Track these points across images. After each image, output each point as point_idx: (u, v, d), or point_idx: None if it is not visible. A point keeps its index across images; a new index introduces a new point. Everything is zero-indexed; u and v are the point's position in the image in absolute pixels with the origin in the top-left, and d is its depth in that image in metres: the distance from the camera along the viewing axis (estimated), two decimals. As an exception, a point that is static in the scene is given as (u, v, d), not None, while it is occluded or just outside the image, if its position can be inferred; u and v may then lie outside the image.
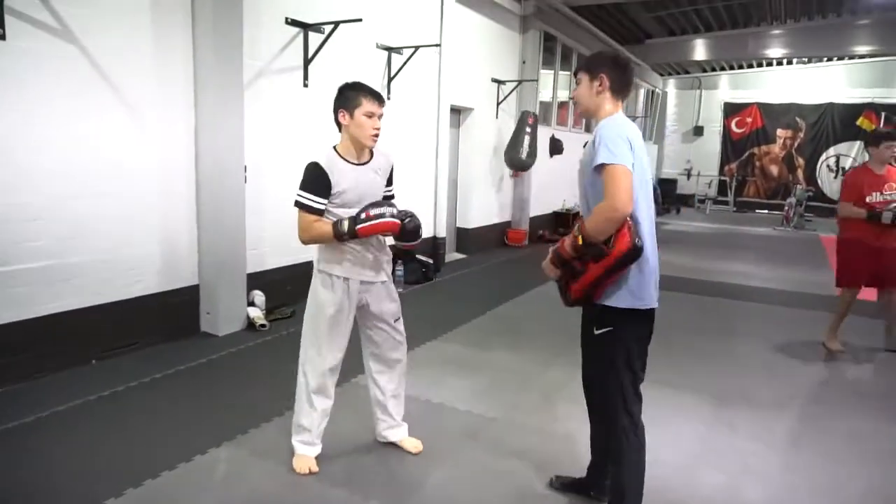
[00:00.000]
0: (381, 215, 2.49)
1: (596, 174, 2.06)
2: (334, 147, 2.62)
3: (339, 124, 2.60)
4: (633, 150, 2.05)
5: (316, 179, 2.52)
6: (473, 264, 7.93)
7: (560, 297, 2.28)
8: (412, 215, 2.63)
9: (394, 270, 6.39)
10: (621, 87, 2.21)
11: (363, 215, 2.48)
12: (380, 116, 2.58)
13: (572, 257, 2.10)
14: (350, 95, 2.55)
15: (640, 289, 2.13)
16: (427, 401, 3.54)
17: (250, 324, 4.74)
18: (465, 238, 8.62)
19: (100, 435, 3.01)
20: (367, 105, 2.53)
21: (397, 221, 2.53)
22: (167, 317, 4.38)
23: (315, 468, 2.71)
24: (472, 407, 3.48)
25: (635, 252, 2.01)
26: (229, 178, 4.53)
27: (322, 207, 2.53)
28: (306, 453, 2.74)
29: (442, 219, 7.63)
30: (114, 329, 4.04)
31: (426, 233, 7.45)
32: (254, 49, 4.77)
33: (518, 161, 8.90)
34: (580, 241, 2.04)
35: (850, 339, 4.79)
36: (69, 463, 2.73)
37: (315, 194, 2.51)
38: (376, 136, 2.59)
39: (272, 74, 5.04)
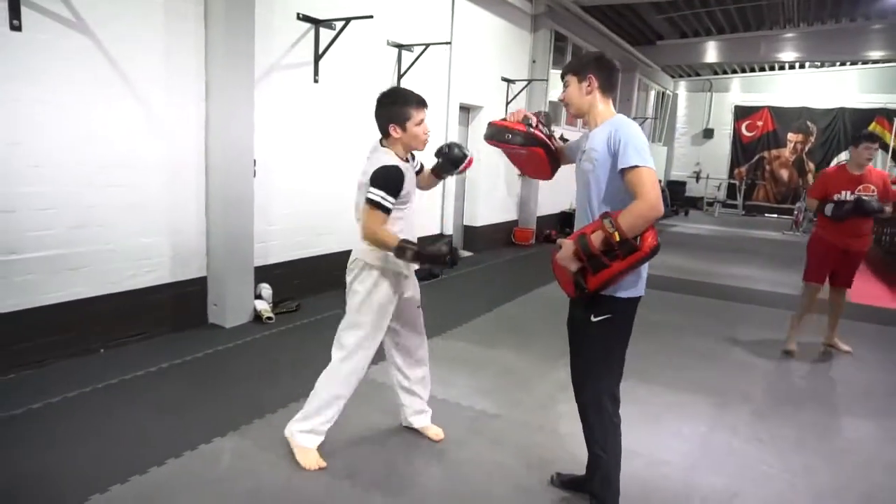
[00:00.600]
0: (445, 255, 2.50)
1: (619, 174, 2.12)
2: (391, 149, 2.64)
3: (386, 134, 2.63)
4: (647, 146, 2.15)
5: (396, 183, 2.54)
6: (480, 262, 7.95)
7: (566, 288, 2.30)
8: (450, 145, 2.82)
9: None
10: (610, 86, 2.31)
11: (431, 251, 2.50)
12: (424, 119, 2.66)
13: (601, 252, 2.13)
14: (398, 111, 2.58)
15: (638, 279, 2.26)
16: (432, 396, 3.53)
17: (257, 316, 4.78)
18: (473, 236, 8.64)
19: (107, 423, 3.05)
20: (416, 115, 2.60)
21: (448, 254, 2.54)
22: (175, 307, 4.42)
23: (323, 463, 2.72)
24: (476, 403, 3.50)
25: (656, 251, 2.13)
26: (239, 172, 4.56)
27: (391, 208, 2.56)
28: (313, 446, 2.75)
29: (449, 216, 7.65)
30: (122, 318, 4.08)
31: (434, 230, 7.51)
32: (265, 44, 4.80)
33: None
34: (617, 238, 2.08)
35: (858, 343, 4.78)
36: (76, 450, 2.77)
37: (392, 196, 2.53)
38: (428, 139, 2.69)
39: (283, 69, 5.07)
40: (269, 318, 4.77)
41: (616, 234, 2.07)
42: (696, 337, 5.05)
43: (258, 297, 4.92)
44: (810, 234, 4.77)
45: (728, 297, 6.65)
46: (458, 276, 7.05)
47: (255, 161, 4.70)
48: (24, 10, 3.35)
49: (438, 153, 2.80)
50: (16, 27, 3.33)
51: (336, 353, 2.73)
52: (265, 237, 5.07)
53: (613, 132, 2.16)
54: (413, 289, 2.86)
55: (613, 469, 2.31)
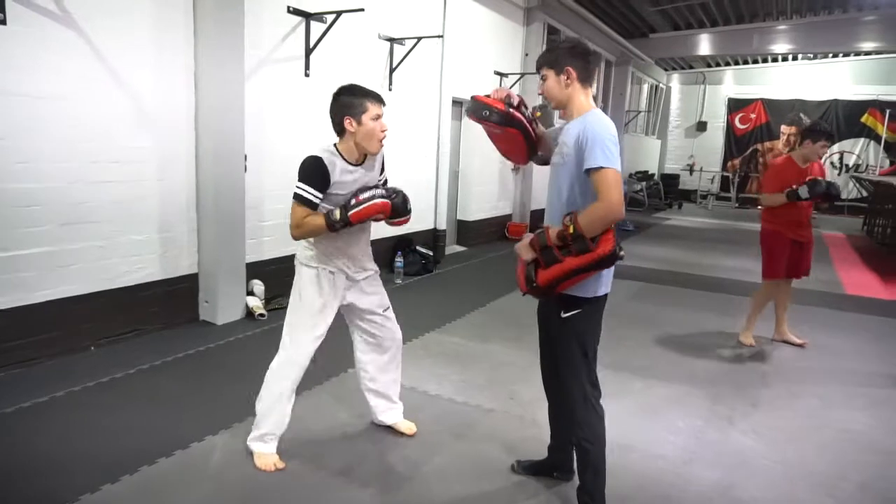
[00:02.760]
0: (372, 198, 2.48)
1: (586, 174, 2.11)
2: (335, 145, 2.59)
3: (340, 129, 2.57)
4: (618, 149, 2.14)
5: (316, 174, 2.49)
6: (473, 257, 7.93)
7: (519, 282, 2.29)
8: (398, 191, 2.59)
9: (393, 261, 6.43)
10: (588, 75, 2.28)
11: (353, 201, 2.47)
12: (382, 117, 2.56)
13: (556, 245, 2.14)
14: (354, 102, 2.51)
15: (602, 277, 2.25)
16: (424, 392, 3.54)
17: (249, 313, 4.75)
18: (466, 231, 8.61)
19: (97, 421, 3.01)
20: (372, 108, 2.51)
21: (388, 202, 2.50)
22: (166, 304, 4.38)
23: (280, 464, 2.67)
24: (470, 398, 3.48)
25: (614, 258, 2.12)
26: (229, 167, 4.52)
27: (318, 202, 2.50)
28: (268, 451, 2.70)
29: (443, 211, 7.62)
30: (113, 316, 4.04)
31: (427, 225, 7.48)
32: (255, 38, 4.74)
33: None
34: (570, 231, 2.08)
35: (853, 333, 4.78)
36: (66, 449, 2.74)
37: (314, 187, 2.49)
38: (384, 138, 2.58)
39: (273, 63, 5.02)
40: (262, 315, 4.73)
41: (571, 227, 2.08)
42: (691, 329, 5.04)
43: (250, 293, 4.88)
44: (761, 230, 4.68)
45: (723, 289, 6.65)
46: (451, 270, 7.03)
47: (245, 156, 4.65)
48: (8, 3, 3.29)
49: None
50: (0, 21, 3.27)
51: (275, 359, 2.72)
52: (257, 233, 5.03)
53: (584, 129, 2.14)
54: (371, 292, 2.79)
55: (600, 459, 2.33)
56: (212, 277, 4.55)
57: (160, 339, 4.19)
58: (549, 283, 2.17)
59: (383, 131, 2.55)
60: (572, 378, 2.30)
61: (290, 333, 2.70)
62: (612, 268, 2.28)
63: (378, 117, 2.53)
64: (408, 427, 3.02)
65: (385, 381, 2.94)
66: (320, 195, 2.50)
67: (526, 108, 2.48)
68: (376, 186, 2.58)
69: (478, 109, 2.40)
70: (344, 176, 2.55)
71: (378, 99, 2.55)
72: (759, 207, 4.78)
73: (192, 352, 4.00)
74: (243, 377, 3.61)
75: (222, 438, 2.89)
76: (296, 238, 2.58)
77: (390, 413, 3.02)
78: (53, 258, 3.68)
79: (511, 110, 2.39)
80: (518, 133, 2.44)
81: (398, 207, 2.55)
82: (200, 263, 4.59)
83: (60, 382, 3.38)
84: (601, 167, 2.06)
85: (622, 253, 2.12)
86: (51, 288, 3.70)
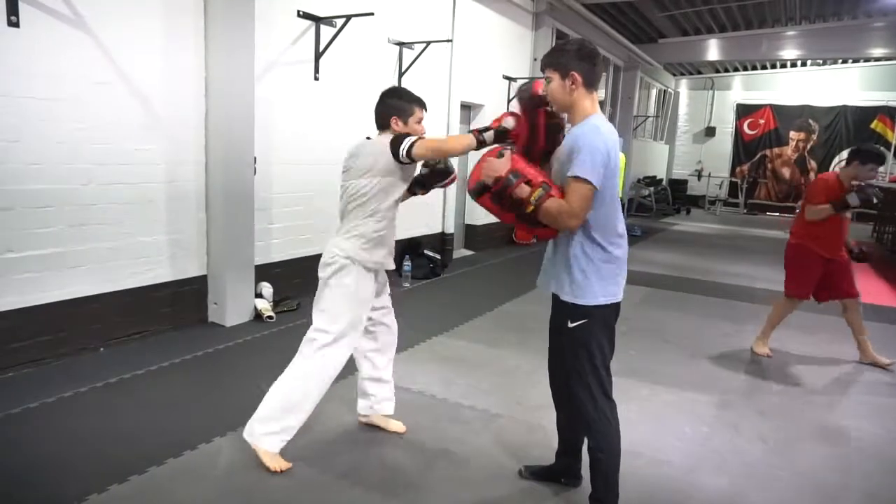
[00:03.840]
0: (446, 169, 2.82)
1: (567, 177, 2.12)
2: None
3: (385, 125, 2.73)
4: (610, 160, 2.12)
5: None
6: (481, 261, 7.93)
7: (474, 177, 2.28)
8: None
9: (401, 265, 6.44)
10: (593, 79, 2.22)
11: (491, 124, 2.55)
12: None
13: (511, 199, 2.15)
14: (404, 106, 2.71)
15: (611, 286, 2.24)
16: (432, 395, 3.54)
17: (257, 315, 4.76)
18: (473, 235, 8.61)
19: (105, 422, 3.03)
20: (418, 113, 2.73)
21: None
22: (175, 306, 4.40)
23: (287, 464, 2.67)
24: (477, 403, 3.48)
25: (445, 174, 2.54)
26: (238, 170, 4.54)
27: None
28: (277, 449, 2.68)
29: (451, 215, 7.62)
30: (122, 317, 4.07)
31: (435, 229, 7.48)
32: (265, 40, 4.77)
33: None
34: (530, 208, 2.12)
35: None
36: (74, 449, 2.75)
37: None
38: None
39: (283, 66, 5.04)
40: (270, 317, 4.75)
41: (531, 207, 2.11)
42: (697, 336, 5.02)
43: (258, 295, 4.90)
44: (787, 244, 4.50)
45: (731, 295, 6.62)
46: (458, 274, 7.03)
47: (255, 159, 4.68)
48: (21, 6, 3.33)
49: (425, 164, 2.79)
50: (13, 23, 3.31)
51: (310, 348, 2.68)
52: (265, 235, 5.05)
53: (578, 136, 2.14)
54: (386, 281, 2.93)
55: (613, 469, 2.30)
56: (220, 279, 4.57)
57: (168, 340, 4.21)
58: (478, 196, 2.23)
59: (424, 132, 2.75)
60: (582, 388, 2.28)
61: (336, 328, 2.66)
62: (624, 276, 2.29)
63: (421, 120, 2.74)
64: (397, 425, 3.06)
65: (386, 365, 3.00)
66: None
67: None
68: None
69: (524, 89, 2.44)
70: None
71: (423, 105, 2.77)
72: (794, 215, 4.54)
73: (201, 353, 4.01)
74: (251, 379, 3.63)
75: (230, 440, 2.89)
76: (445, 154, 2.67)
77: (386, 404, 3.03)
78: (63, 259, 3.71)
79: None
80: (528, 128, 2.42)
81: (439, 171, 2.86)
82: (209, 265, 4.61)
83: (69, 383, 3.40)
84: (577, 176, 2.07)
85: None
86: (60, 288, 3.72)
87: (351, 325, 2.69)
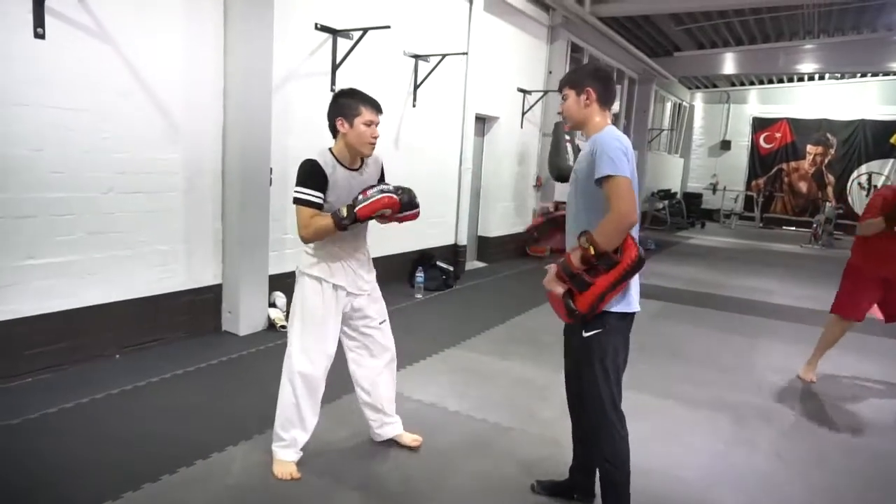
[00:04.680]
0: (379, 192, 2.48)
1: (596, 185, 2.13)
2: (329, 148, 2.63)
3: (334, 131, 2.62)
4: (629, 160, 2.14)
5: (313, 175, 2.53)
6: (493, 273, 7.92)
7: (560, 314, 2.28)
8: (405, 188, 2.57)
9: (414, 276, 6.44)
10: (607, 97, 2.29)
11: (360, 197, 2.48)
12: (377, 124, 2.59)
13: (583, 269, 2.14)
14: (349, 104, 2.56)
15: (627, 294, 2.23)
16: (444, 408, 3.53)
17: (271, 324, 4.79)
18: (486, 246, 8.61)
19: (120, 429, 3.05)
20: (366, 114, 2.55)
21: (395, 197, 2.49)
22: (190, 314, 4.44)
23: (297, 474, 2.68)
24: (489, 415, 3.46)
25: (641, 262, 2.12)
26: (254, 180, 4.58)
27: (320, 202, 2.53)
28: (287, 458, 2.71)
29: (463, 227, 7.63)
30: (138, 324, 4.10)
31: (447, 240, 7.49)
32: (283, 53, 4.83)
33: (566, 168, 8.20)
34: (592, 252, 2.08)
35: (880, 359, 4.68)
36: (89, 455, 2.78)
37: (314, 189, 2.53)
38: (374, 144, 2.62)
39: (300, 78, 5.10)
40: (283, 327, 4.77)
41: (591, 248, 2.08)
42: (713, 351, 4.97)
43: (272, 305, 4.93)
44: (846, 264, 4.33)
45: (747, 310, 6.55)
46: (471, 286, 7.03)
47: (271, 169, 4.72)
48: (48, 18, 3.40)
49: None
50: (40, 35, 3.38)
51: (285, 363, 2.71)
52: (279, 246, 5.09)
53: (594, 143, 2.17)
54: (370, 306, 2.80)
55: (624, 481, 2.29)
56: (235, 288, 4.60)
57: (183, 348, 4.24)
58: (591, 306, 2.16)
59: (374, 136, 2.58)
60: (594, 399, 2.27)
61: (290, 344, 2.69)
62: (638, 286, 2.28)
63: (371, 123, 2.56)
64: (412, 439, 3.00)
65: (378, 395, 2.90)
66: (320, 195, 2.53)
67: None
68: (381, 183, 2.61)
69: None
70: (339, 178, 2.58)
71: (374, 105, 2.59)
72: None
73: (215, 362, 4.04)
74: (264, 388, 3.64)
75: (242, 449, 2.90)
76: (306, 240, 2.58)
77: (387, 428, 2.99)
78: (82, 266, 3.76)
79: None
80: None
81: (405, 202, 2.54)
82: (224, 274, 4.64)
83: (85, 389, 3.44)
84: (609, 175, 2.07)
85: (644, 255, 2.14)
86: (78, 295, 3.77)
87: (300, 343, 2.65)
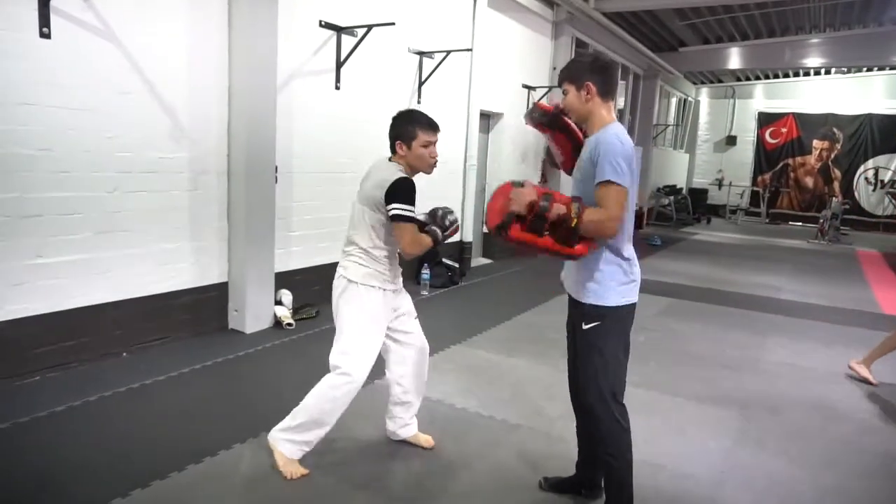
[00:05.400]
0: (455, 221, 2.71)
1: (595, 186, 2.13)
2: (398, 166, 2.64)
3: (393, 150, 2.66)
4: (631, 167, 2.13)
5: (412, 194, 2.57)
6: (499, 270, 7.91)
7: (492, 217, 2.18)
8: (449, 211, 2.76)
9: (420, 273, 6.44)
10: (608, 89, 2.27)
11: (447, 222, 2.66)
12: (435, 143, 2.64)
13: (549, 219, 2.07)
14: (406, 128, 2.60)
15: (626, 286, 2.25)
16: (451, 405, 3.53)
17: (277, 322, 4.79)
18: (492, 243, 8.59)
19: (129, 427, 3.06)
20: (423, 136, 2.60)
21: (458, 225, 2.73)
22: (196, 312, 4.45)
23: (304, 471, 2.68)
24: (496, 413, 3.46)
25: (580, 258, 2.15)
26: (260, 178, 4.59)
27: (417, 217, 2.61)
28: (296, 456, 2.70)
29: (469, 223, 7.63)
30: (144, 323, 4.12)
31: (453, 237, 7.47)
32: (288, 51, 4.82)
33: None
34: (573, 224, 2.05)
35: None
36: (97, 453, 2.79)
37: (414, 206, 2.57)
38: (435, 163, 2.67)
39: (305, 76, 5.10)
40: (289, 325, 4.78)
41: (574, 220, 2.05)
42: (720, 348, 4.95)
43: (278, 302, 4.93)
44: None
45: (754, 306, 6.53)
46: (477, 283, 7.02)
47: (276, 167, 4.72)
48: (53, 18, 3.41)
49: (430, 215, 2.73)
50: (45, 35, 3.39)
51: (333, 369, 2.67)
52: (286, 243, 5.09)
53: (597, 143, 2.16)
54: (406, 302, 2.85)
55: (626, 474, 2.29)
56: (241, 286, 4.61)
57: (190, 346, 4.25)
58: (517, 241, 2.14)
59: (433, 157, 2.65)
60: (594, 391, 2.28)
61: (350, 353, 2.66)
62: (637, 278, 2.29)
63: (428, 144, 2.61)
64: (426, 440, 3.01)
65: (415, 389, 2.94)
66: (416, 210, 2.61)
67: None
68: (447, 209, 2.72)
69: (532, 113, 2.49)
70: None
71: (431, 126, 2.63)
72: None
73: (221, 360, 4.05)
74: (270, 385, 3.66)
75: (250, 447, 2.91)
76: (412, 255, 2.61)
77: (407, 429, 3.00)
78: (89, 265, 3.77)
79: (560, 115, 2.43)
80: (564, 139, 2.48)
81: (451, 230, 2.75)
82: (230, 273, 4.65)
83: (93, 388, 3.45)
84: (608, 180, 2.08)
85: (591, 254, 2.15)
86: (85, 294, 3.78)
87: (363, 346, 2.66)
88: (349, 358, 2.66)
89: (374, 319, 2.68)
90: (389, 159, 2.67)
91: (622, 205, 2.08)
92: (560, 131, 2.47)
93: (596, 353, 2.25)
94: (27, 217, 3.45)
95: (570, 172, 2.55)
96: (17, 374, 3.47)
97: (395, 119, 2.66)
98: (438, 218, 2.66)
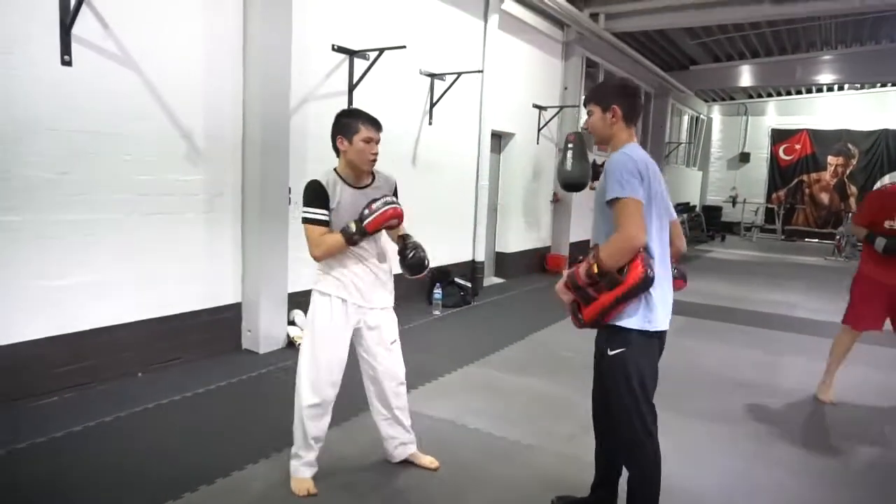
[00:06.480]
0: (384, 204, 2.53)
1: (608, 207, 2.16)
2: (334, 168, 2.69)
3: (336, 150, 2.67)
4: (645, 180, 2.13)
5: (316, 194, 2.60)
6: (511, 289, 7.90)
7: (572, 319, 2.32)
8: (417, 247, 2.70)
9: (432, 293, 6.44)
10: (633, 115, 2.31)
11: (366, 211, 2.53)
12: (377, 142, 2.64)
13: (587, 284, 2.15)
14: (348, 122, 2.61)
15: (651, 311, 2.19)
16: (463, 425, 3.52)
17: (290, 342, 4.82)
18: (504, 262, 8.60)
19: (143, 447, 3.09)
20: (364, 131, 2.59)
21: (399, 208, 2.57)
22: (210, 333, 4.49)
23: (314, 490, 2.69)
24: (508, 433, 3.44)
25: (647, 282, 2.09)
26: (273, 200, 4.65)
27: (326, 219, 2.60)
28: (301, 475, 2.73)
29: (481, 243, 7.64)
30: (160, 343, 4.16)
31: (465, 256, 7.50)
32: (301, 75, 4.91)
33: (564, 174, 8.29)
34: (595, 270, 2.10)
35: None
36: (113, 473, 2.81)
37: (318, 206, 2.59)
38: (374, 160, 2.66)
39: (318, 99, 5.18)
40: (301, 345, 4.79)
41: (595, 265, 2.09)
42: (735, 367, 4.90)
43: (291, 323, 4.96)
44: (856, 271, 4.16)
45: (769, 324, 6.45)
46: (489, 302, 7.01)
47: (290, 189, 4.78)
48: (74, 45, 3.51)
49: (401, 254, 2.72)
50: (66, 62, 3.49)
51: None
52: (297, 264, 5.12)
53: (608, 162, 2.20)
54: (382, 324, 2.78)
55: (654, 500, 2.26)
56: (255, 307, 4.65)
57: (204, 366, 4.28)
58: (593, 319, 2.18)
59: (373, 153, 2.63)
60: (625, 420, 2.24)
61: (300, 375, 2.72)
62: (668, 304, 2.25)
63: (369, 140, 2.60)
64: (430, 461, 2.98)
65: (390, 416, 2.89)
66: (325, 213, 2.59)
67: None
68: (382, 196, 2.62)
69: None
70: (343, 195, 2.63)
71: (372, 122, 2.63)
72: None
73: (235, 380, 4.07)
74: (284, 406, 3.65)
75: (263, 467, 2.92)
76: (318, 258, 2.63)
77: (402, 449, 2.96)
78: (106, 286, 3.83)
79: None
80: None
81: (415, 266, 2.68)
82: (244, 293, 4.70)
83: (109, 407, 3.48)
84: (616, 198, 2.09)
85: (652, 274, 2.09)
86: (101, 315, 3.83)
87: (308, 360, 2.67)
88: (298, 381, 2.71)
89: (323, 330, 2.66)
90: (335, 168, 2.69)
91: (634, 216, 2.07)
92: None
93: (622, 380, 2.20)
94: (47, 238, 3.52)
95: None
96: (35, 395, 3.52)
97: (337, 116, 2.67)
98: (364, 209, 2.54)
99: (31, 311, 3.50)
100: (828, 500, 2.89)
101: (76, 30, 3.49)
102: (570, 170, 8.28)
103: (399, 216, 2.58)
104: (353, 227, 2.52)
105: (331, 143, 2.68)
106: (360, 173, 2.69)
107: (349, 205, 2.62)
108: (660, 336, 2.26)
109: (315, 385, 2.67)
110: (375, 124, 2.64)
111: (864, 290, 4.02)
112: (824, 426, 3.78)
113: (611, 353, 2.22)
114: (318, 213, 2.59)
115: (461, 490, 2.82)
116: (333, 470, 2.86)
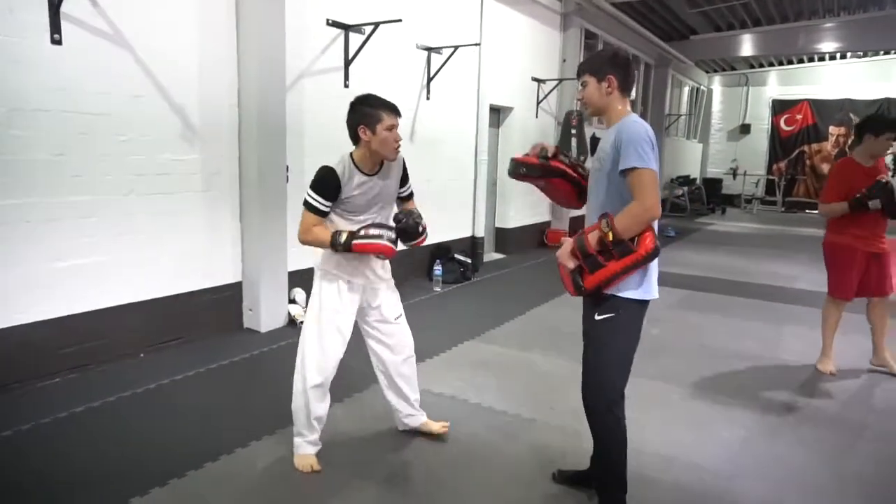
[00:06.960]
0: (379, 237, 2.52)
1: (621, 175, 2.13)
2: (351, 154, 2.64)
3: (356, 138, 2.61)
4: (655, 151, 2.14)
5: (328, 185, 2.56)
6: (512, 264, 7.90)
7: (567, 287, 2.30)
8: (416, 215, 2.66)
9: (432, 269, 6.45)
10: (628, 84, 2.29)
11: (362, 232, 2.52)
12: (397, 127, 2.60)
13: (597, 251, 2.15)
14: (369, 112, 2.55)
15: (648, 281, 2.23)
16: (465, 401, 3.54)
17: (291, 320, 4.83)
18: (504, 238, 8.59)
19: (147, 426, 3.11)
20: (387, 119, 2.55)
21: (391, 247, 2.55)
22: (211, 312, 4.50)
23: (317, 466, 2.72)
24: (510, 408, 3.46)
25: (656, 252, 2.12)
26: (271, 178, 4.62)
27: (327, 210, 2.58)
28: (304, 451, 2.76)
29: (481, 218, 7.62)
30: (161, 323, 4.17)
31: (465, 232, 7.49)
32: (296, 50, 4.84)
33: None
34: (610, 238, 2.09)
35: None
36: (117, 453, 2.83)
37: (324, 197, 2.56)
38: (398, 148, 2.63)
39: (313, 75, 5.12)
40: (303, 322, 4.80)
41: (610, 233, 2.09)
42: (737, 339, 4.91)
43: (292, 301, 4.97)
44: (824, 242, 4.17)
45: (770, 296, 6.46)
46: (490, 278, 7.02)
47: (287, 167, 4.75)
48: (63, 24, 3.45)
49: (396, 220, 2.67)
50: (56, 41, 3.43)
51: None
52: (297, 242, 5.10)
53: (619, 132, 2.17)
54: (385, 301, 2.80)
55: (618, 462, 2.33)
56: (255, 286, 4.65)
57: (205, 346, 4.30)
58: (597, 286, 2.19)
59: (397, 141, 2.59)
60: (597, 381, 2.30)
61: (302, 338, 2.74)
62: (656, 273, 2.27)
63: (392, 128, 2.56)
64: (441, 426, 3.04)
65: (401, 385, 2.93)
66: (329, 204, 2.58)
67: (565, 155, 2.50)
68: (389, 227, 2.60)
69: (515, 169, 2.48)
70: (358, 185, 2.60)
71: (393, 110, 2.59)
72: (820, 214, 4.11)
73: (237, 359, 4.09)
74: (286, 384, 3.67)
75: (265, 444, 2.94)
76: (302, 243, 2.63)
77: (413, 419, 3.03)
78: (106, 267, 3.83)
79: (548, 161, 2.43)
80: (561, 181, 2.48)
81: (410, 231, 2.63)
82: (244, 272, 4.69)
83: (111, 388, 3.50)
84: (635, 167, 2.08)
85: (660, 245, 2.13)
86: (102, 296, 3.84)
87: (312, 338, 2.69)
88: (302, 362, 2.73)
89: (329, 312, 2.68)
90: (350, 154, 2.64)
91: (652, 186, 2.08)
92: (554, 177, 2.45)
93: (604, 344, 2.27)
94: (47, 221, 3.51)
95: (578, 206, 2.57)
96: (38, 376, 3.54)
97: (354, 104, 2.60)
98: (362, 229, 2.54)
99: (32, 294, 3.50)
100: (829, 471, 2.91)
101: (65, 7, 3.43)
102: (575, 154, 8.36)
103: (386, 253, 2.55)
104: (342, 238, 2.51)
105: (348, 133, 2.62)
106: (378, 160, 2.64)
107: (362, 192, 2.61)
108: (646, 304, 2.29)
109: (320, 366, 2.69)
110: (396, 111, 2.59)
111: (847, 260, 4.03)
112: (825, 397, 3.80)
113: (598, 317, 2.24)
114: (320, 203, 2.56)
115: (463, 464, 2.85)
116: (336, 446, 2.88)
